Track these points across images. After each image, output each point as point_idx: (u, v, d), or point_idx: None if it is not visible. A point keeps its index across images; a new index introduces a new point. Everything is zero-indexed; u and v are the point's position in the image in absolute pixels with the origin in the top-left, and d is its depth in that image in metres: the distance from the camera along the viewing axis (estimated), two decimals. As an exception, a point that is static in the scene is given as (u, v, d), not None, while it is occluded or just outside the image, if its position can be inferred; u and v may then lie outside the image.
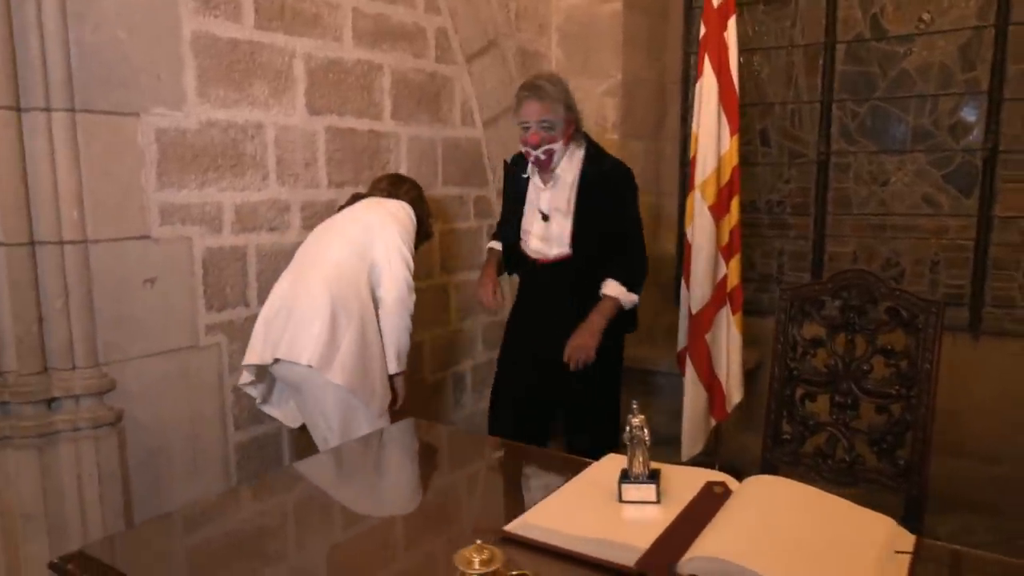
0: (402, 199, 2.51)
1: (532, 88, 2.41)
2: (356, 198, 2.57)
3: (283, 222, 2.62)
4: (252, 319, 2.52)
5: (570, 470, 1.49)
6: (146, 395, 2.25)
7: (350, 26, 2.79)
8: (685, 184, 3.67)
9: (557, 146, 2.43)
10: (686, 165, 3.46)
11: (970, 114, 3.41)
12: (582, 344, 2.38)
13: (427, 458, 1.84)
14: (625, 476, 1.34)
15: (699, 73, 2.97)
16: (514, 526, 1.26)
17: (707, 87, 2.93)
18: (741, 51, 3.81)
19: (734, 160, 2.97)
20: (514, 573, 0.92)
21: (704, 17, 2.95)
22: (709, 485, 1.37)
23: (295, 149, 2.63)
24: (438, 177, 3.30)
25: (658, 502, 1.31)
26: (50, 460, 2.06)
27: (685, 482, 1.38)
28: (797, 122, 3.80)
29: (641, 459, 1.33)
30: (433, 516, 1.48)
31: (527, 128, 2.41)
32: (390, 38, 2.97)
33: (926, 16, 3.45)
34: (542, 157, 2.43)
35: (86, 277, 2.09)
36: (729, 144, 2.95)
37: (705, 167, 2.97)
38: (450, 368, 3.52)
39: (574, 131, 2.48)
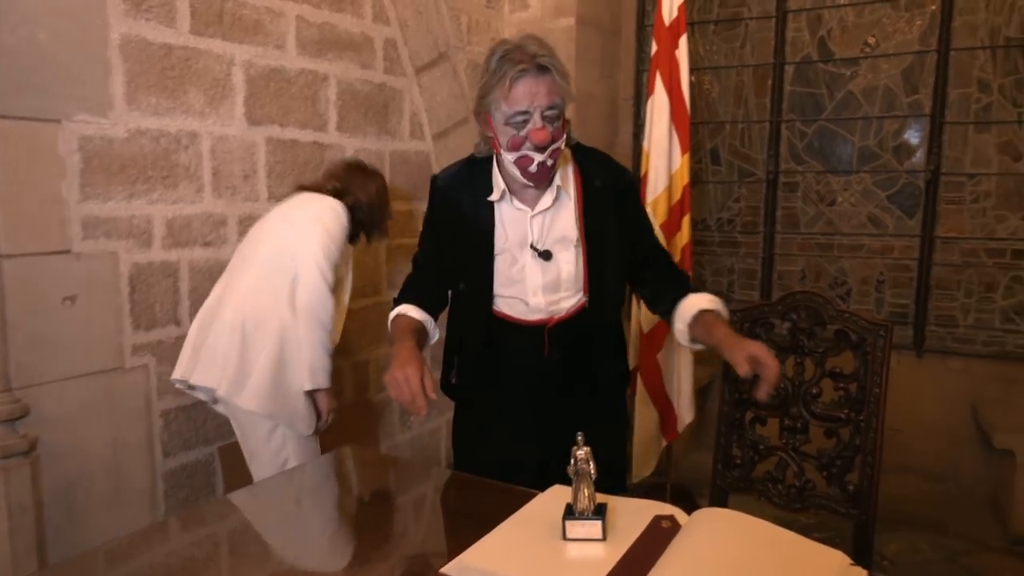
0: (356, 194, 2.34)
1: (530, 58, 1.51)
2: (300, 190, 2.40)
3: (219, 237, 2.50)
4: (183, 339, 2.39)
5: (513, 502, 1.41)
6: (64, 421, 2.10)
7: (294, 34, 2.70)
8: (637, 201, 3.66)
9: (561, 144, 1.58)
10: (638, 183, 3.44)
11: (913, 136, 3.47)
12: (773, 362, 1.47)
13: (363, 490, 1.74)
14: (569, 512, 1.27)
15: (650, 91, 2.96)
16: (451, 568, 1.18)
17: (658, 105, 2.92)
18: (692, 70, 3.83)
19: (685, 178, 2.95)
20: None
21: (655, 35, 2.94)
22: (657, 520, 1.31)
23: (233, 160, 2.52)
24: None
25: (604, 539, 1.24)
26: (-47, 493, 1.90)
27: (632, 516, 1.32)
28: (747, 141, 3.83)
29: (586, 493, 1.26)
30: (366, 555, 1.38)
31: (524, 121, 1.53)
32: (336, 47, 2.88)
33: (871, 40, 3.51)
34: (548, 163, 1.56)
35: (-2, 294, 1.94)
36: (680, 162, 2.93)
37: (656, 185, 2.95)
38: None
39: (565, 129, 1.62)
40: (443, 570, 1.18)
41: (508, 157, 1.59)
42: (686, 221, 2.98)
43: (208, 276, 2.45)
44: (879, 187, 3.56)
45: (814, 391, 1.87)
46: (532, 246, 1.64)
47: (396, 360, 1.49)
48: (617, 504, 1.37)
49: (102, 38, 2.11)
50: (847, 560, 1.21)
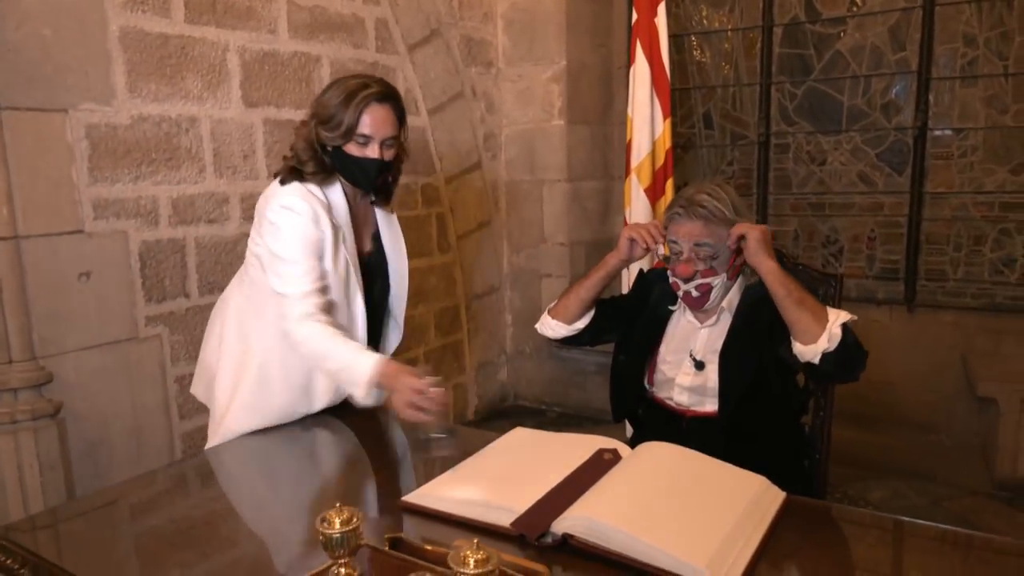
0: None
1: (685, 202, 1.74)
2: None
3: (222, 214, 2.67)
4: (193, 310, 2.59)
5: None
6: (85, 387, 2.30)
7: (285, 18, 2.83)
8: (630, 168, 3.75)
9: (714, 280, 1.74)
10: None
11: (901, 94, 3.51)
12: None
13: (369, 440, 1.89)
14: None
15: (631, 59, 3.04)
16: (411, 496, 1.34)
17: (639, 73, 3.00)
18: (682, 36, 3.90)
19: (667, 143, 3.05)
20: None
21: (635, 3, 3.02)
22: (600, 452, 1.45)
23: (232, 142, 2.67)
24: (383, 166, 3.34)
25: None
26: (-11, 452, 2.11)
27: (578, 448, 1.46)
28: (738, 104, 3.89)
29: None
30: (355, 491, 1.55)
31: (678, 253, 1.74)
32: (328, 29, 3.01)
33: (858, -1, 3.54)
34: (694, 294, 1.75)
35: (19, 272, 2.13)
36: (662, 128, 3.02)
37: (640, 151, 3.05)
38: (402, 356, 3.57)
39: (745, 262, 1.74)
40: (405, 497, 1.34)
41: (669, 277, 1.81)
42: (670, 185, 3.08)
43: (213, 252, 2.63)
44: (868, 145, 3.61)
45: (772, 340, 1.98)
46: (692, 355, 1.79)
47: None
48: (567, 439, 1.51)
49: (102, 31, 2.27)
50: (767, 482, 1.34)
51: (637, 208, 3.06)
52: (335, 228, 1.76)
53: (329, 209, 1.76)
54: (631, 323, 1.94)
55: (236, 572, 1.24)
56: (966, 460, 3.34)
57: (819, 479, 1.87)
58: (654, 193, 3.05)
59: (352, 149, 1.73)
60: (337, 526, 0.95)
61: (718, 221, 1.70)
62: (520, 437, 1.59)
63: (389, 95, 1.75)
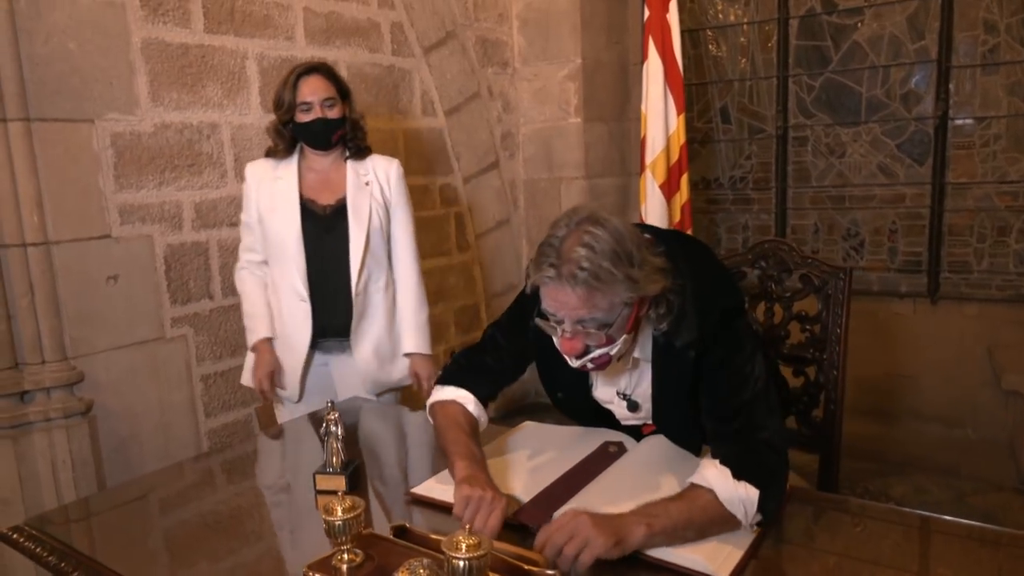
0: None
1: (560, 265, 1.20)
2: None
3: (244, 217, 2.74)
4: (217, 311, 2.66)
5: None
6: (115, 386, 2.38)
7: (302, 25, 2.89)
8: (647, 164, 3.75)
9: (612, 349, 1.29)
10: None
11: (921, 83, 3.47)
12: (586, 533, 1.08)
13: (375, 437, 1.94)
14: (322, 468, 1.42)
15: (644, 56, 3.05)
16: (419, 488, 1.38)
17: (652, 69, 3.02)
18: (698, 30, 3.89)
19: (681, 139, 3.05)
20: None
21: (647, 1, 3.03)
22: (605, 445, 1.48)
23: (252, 147, 2.74)
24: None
25: (349, 491, 1.32)
26: (24, 448, 2.20)
27: (584, 441, 1.49)
28: (755, 98, 3.87)
29: (335, 449, 1.40)
30: (368, 482, 1.59)
31: (556, 323, 1.28)
32: (343, 34, 3.07)
33: (875, -12, 3.51)
34: (590, 366, 1.32)
35: (50, 276, 2.21)
36: (676, 123, 3.03)
37: (654, 147, 3.06)
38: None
39: (649, 307, 1.31)
40: (412, 489, 1.38)
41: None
42: (684, 180, 3.09)
43: (235, 254, 2.68)
44: (888, 136, 3.57)
45: (782, 334, 1.99)
46: (622, 393, 1.50)
47: (472, 482, 1.23)
48: (574, 432, 1.54)
49: (125, 43, 2.35)
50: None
51: (652, 204, 3.08)
52: (264, 176, 2.18)
53: (276, 168, 2.19)
54: (544, 361, 1.52)
55: (262, 564, 1.26)
56: (992, 454, 3.30)
57: (833, 473, 1.87)
58: (669, 189, 3.06)
59: (301, 117, 2.11)
60: (339, 514, 0.99)
61: (604, 285, 1.19)
62: (529, 431, 1.63)
63: (315, 67, 2.14)
